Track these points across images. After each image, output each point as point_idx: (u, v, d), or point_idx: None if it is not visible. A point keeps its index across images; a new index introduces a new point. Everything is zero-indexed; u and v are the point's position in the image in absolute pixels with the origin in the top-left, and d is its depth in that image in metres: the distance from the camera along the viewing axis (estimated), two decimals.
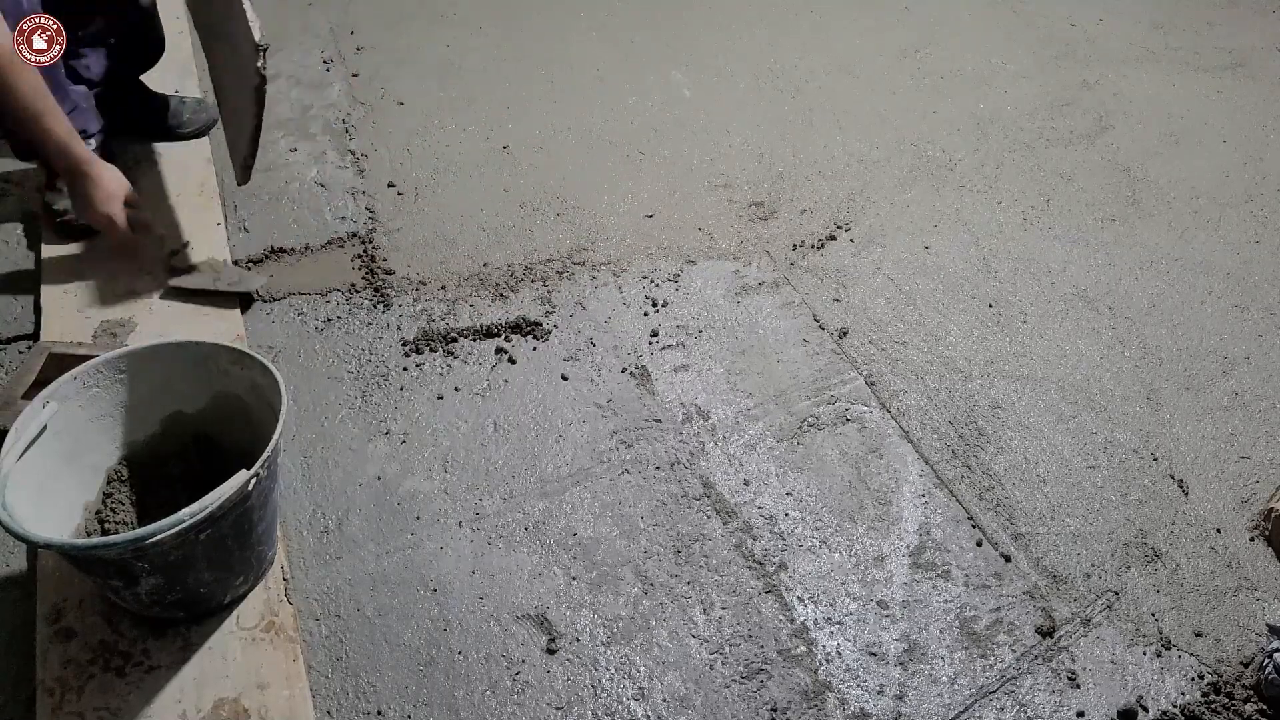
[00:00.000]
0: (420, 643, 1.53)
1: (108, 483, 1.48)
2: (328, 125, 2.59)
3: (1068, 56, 3.27)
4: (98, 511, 1.45)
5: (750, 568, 1.68)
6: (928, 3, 3.50)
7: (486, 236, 2.31)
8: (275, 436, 1.33)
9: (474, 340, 2.03)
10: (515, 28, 3.08)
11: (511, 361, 2.00)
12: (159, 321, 1.92)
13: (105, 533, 1.43)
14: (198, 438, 1.56)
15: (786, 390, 2.01)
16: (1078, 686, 1.57)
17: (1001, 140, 2.84)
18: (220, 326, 1.94)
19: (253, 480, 1.28)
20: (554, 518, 1.73)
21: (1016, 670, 1.58)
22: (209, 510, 1.22)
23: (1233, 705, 1.55)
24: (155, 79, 2.38)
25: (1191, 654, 1.63)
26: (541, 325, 2.08)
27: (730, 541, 1.72)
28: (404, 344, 2.00)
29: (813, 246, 2.39)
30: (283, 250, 2.19)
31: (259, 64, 1.71)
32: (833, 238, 2.42)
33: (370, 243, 2.25)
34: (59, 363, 1.74)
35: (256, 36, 1.70)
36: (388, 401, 1.89)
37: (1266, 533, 1.81)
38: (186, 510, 1.21)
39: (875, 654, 1.58)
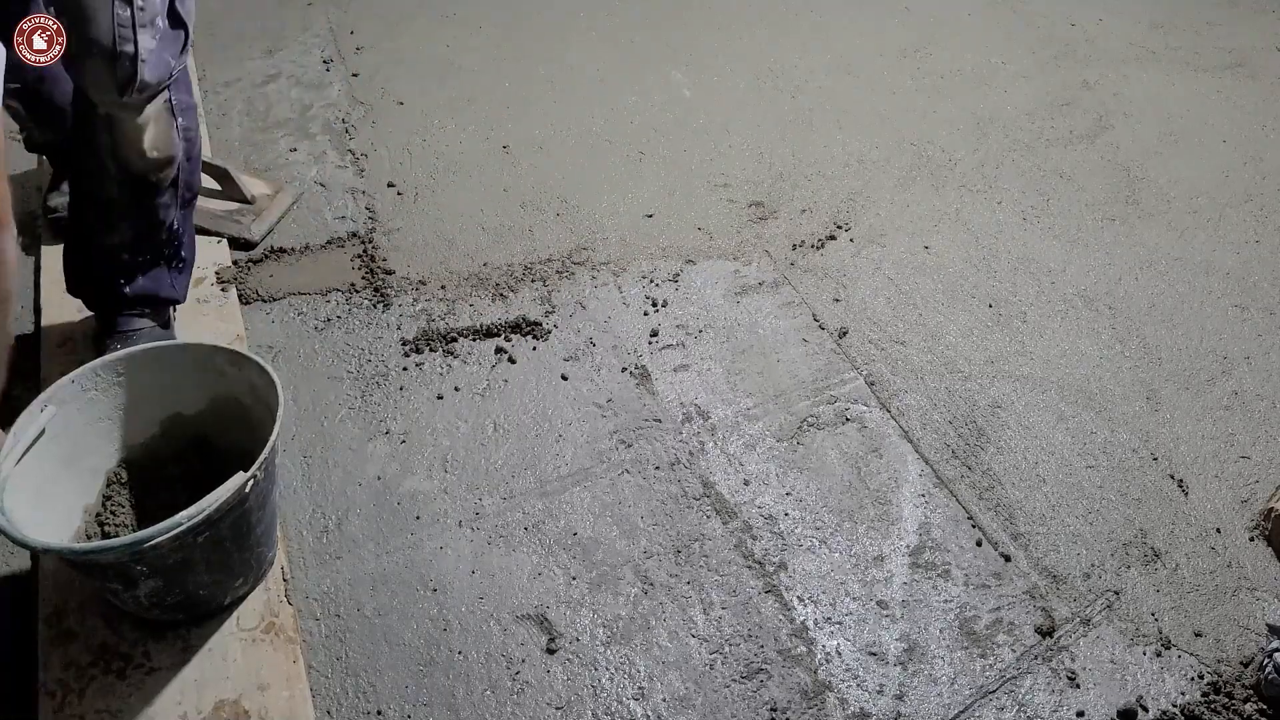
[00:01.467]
0: (420, 642, 1.53)
1: (107, 485, 1.48)
2: (328, 125, 2.59)
3: (1068, 56, 3.27)
4: (97, 514, 1.45)
5: (750, 567, 1.69)
6: (928, 3, 3.50)
7: (486, 236, 2.31)
8: (272, 438, 1.33)
9: (474, 340, 2.04)
10: (515, 28, 3.08)
11: (511, 361, 2.00)
12: None
13: (105, 535, 1.43)
14: (197, 439, 1.56)
15: (786, 390, 2.01)
16: (1078, 686, 1.57)
17: (1001, 140, 2.84)
18: (221, 326, 1.94)
19: (250, 482, 1.28)
20: (554, 517, 1.73)
21: (1016, 670, 1.58)
22: (206, 513, 1.22)
23: (1232, 705, 1.55)
24: None
25: (1191, 654, 1.63)
26: (541, 325, 2.08)
27: (730, 541, 1.72)
28: (404, 344, 2.00)
29: (813, 246, 2.39)
30: (282, 250, 2.19)
31: None
32: (833, 237, 2.42)
33: (370, 243, 2.25)
34: None
35: None
36: (388, 401, 1.89)
37: (1266, 532, 1.81)
38: (183, 514, 1.21)
39: (875, 654, 1.58)
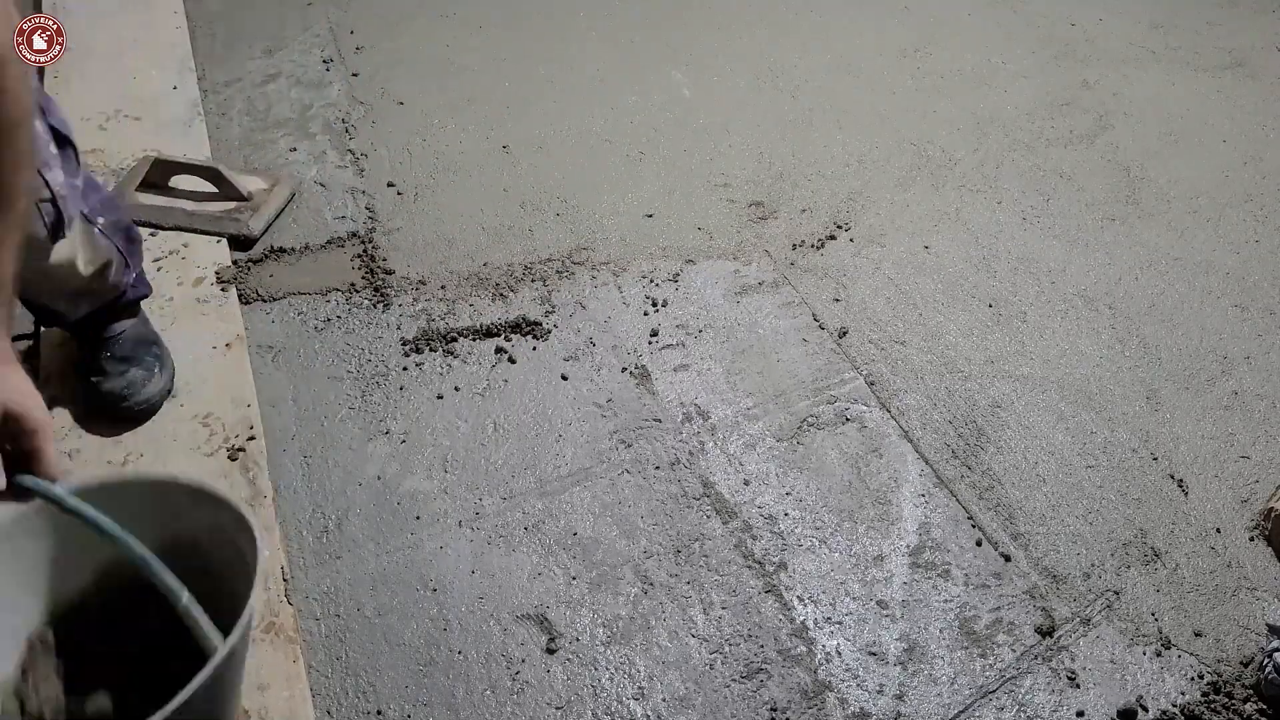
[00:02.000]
0: (420, 642, 1.53)
1: (29, 651, 1.21)
2: (327, 125, 2.59)
3: (1068, 56, 3.27)
4: (17, 689, 1.19)
5: (750, 567, 1.69)
6: (928, 3, 3.50)
7: (486, 236, 2.31)
8: (249, 605, 1.10)
9: (474, 340, 2.04)
10: (515, 28, 3.08)
11: (511, 361, 2.00)
12: (155, 321, 1.91)
13: (25, 712, 1.17)
14: (139, 585, 1.18)
15: (786, 390, 2.01)
16: (1077, 686, 1.57)
17: (1001, 140, 2.84)
18: (221, 326, 1.94)
19: (225, 657, 1.05)
20: (554, 517, 1.73)
21: (1016, 670, 1.58)
22: (175, 707, 1.00)
23: (1232, 705, 1.55)
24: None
25: (1191, 654, 1.63)
26: (541, 325, 2.08)
27: (730, 541, 1.72)
28: (404, 344, 2.01)
29: (812, 246, 2.39)
30: (282, 250, 2.19)
31: None
32: (832, 237, 2.42)
33: (370, 242, 2.25)
34: (163, 168, 2.17)
35: None
36: (388, 401, 1.89)
37: (1266, 532, 1.81)
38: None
39: (875, 654, 1.58)
